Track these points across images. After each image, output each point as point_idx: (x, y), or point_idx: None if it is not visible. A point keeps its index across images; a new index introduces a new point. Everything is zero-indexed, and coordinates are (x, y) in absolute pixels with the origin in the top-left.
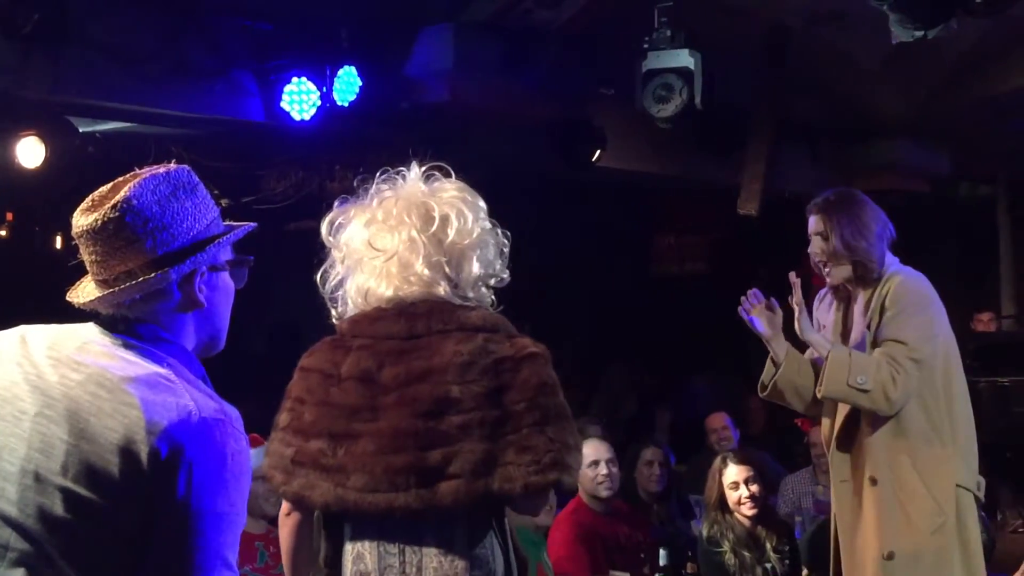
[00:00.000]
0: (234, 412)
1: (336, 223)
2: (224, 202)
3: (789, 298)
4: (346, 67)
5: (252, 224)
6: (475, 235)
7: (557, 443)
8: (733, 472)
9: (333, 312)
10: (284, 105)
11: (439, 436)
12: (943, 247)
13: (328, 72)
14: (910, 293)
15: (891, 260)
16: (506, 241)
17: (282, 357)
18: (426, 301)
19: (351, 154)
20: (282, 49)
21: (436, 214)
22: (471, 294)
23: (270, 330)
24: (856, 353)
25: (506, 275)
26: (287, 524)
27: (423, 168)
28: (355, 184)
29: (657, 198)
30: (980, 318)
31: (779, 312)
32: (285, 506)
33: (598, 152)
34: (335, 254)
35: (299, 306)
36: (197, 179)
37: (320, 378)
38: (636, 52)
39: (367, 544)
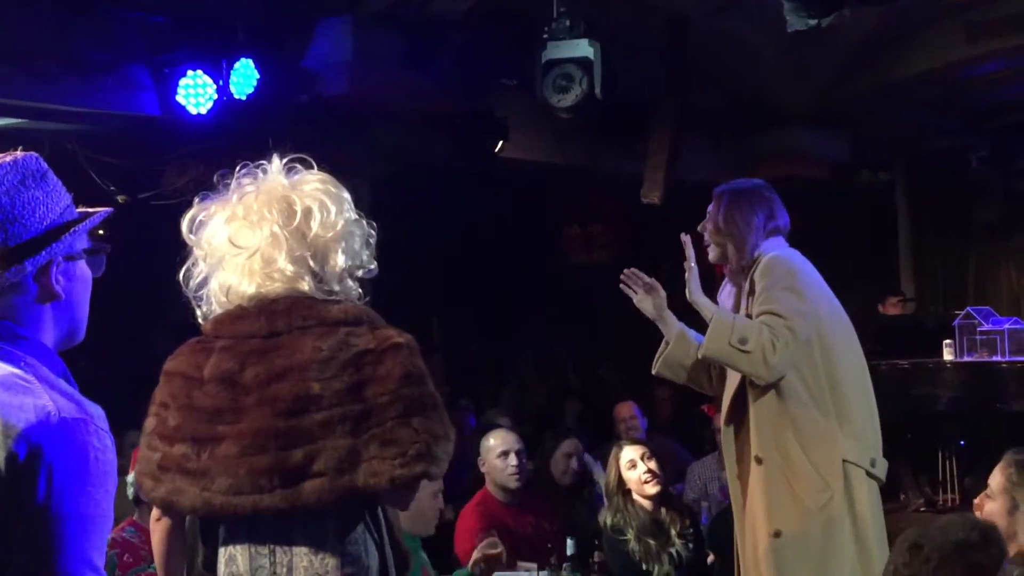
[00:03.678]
0: (97, 410)
1: (197, 220)
2: (121, 198)
3: (684, 262)
4: (243, 60)
5: (108, 209)
6: (339, 227)
7: (424, 434)
8: (629, 452)
9: (198, 312)
10: (179, 99)
11: (301, 434)
12: (847, 233)
13: (224, 65)
14: (775, 269)
15: (771, 247)
16: (372, 232)
17: None
18: (287, 297)
19: (251, 148)
20: (176, 42)
21: (298, 208)
22: (337, 287)
23: (174, 329)
24: (739, 317)
25: (373, 266)
26: (158, 529)
27: (284, 160)
28: (215, 180)
29: (562, 188)
30: (890, 301)
31: (661, 292)
32: (155, 512)
33: (501, 143)
34: (197, 252)
35: None
36: (46, 166)
37: (183, 381)
38: (537, 42)
39: (239, 546)
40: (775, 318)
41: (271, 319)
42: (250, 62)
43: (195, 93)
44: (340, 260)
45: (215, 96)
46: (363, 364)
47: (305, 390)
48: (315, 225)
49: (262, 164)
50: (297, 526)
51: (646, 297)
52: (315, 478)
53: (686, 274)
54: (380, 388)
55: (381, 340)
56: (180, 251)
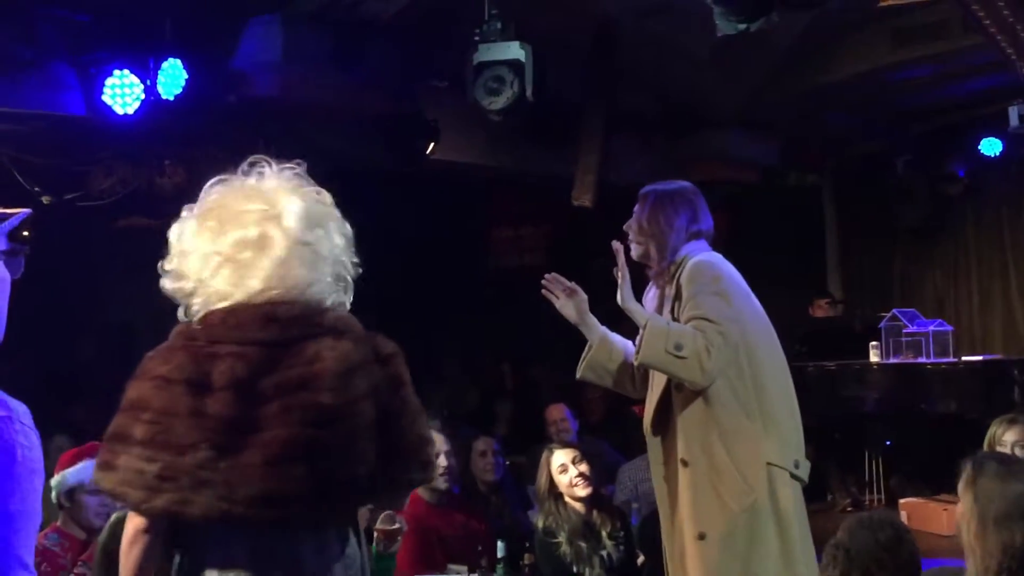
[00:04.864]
0: (21, 407)
1: (209, 215)
2: (46, 199)
3: (614, 268)
4: (171, 60)
5: (26, 211)
6: (345, 242)
7: (425, 439)
8: (560, 456)
9: (186, 310)
10: (105, 99)
11: (331, 443)
12: (776, 236)
13: (152, 65)
14: (702, 274)
15: (693, 249)
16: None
17: (116, 359)
18: (297, 304)
19: (180, 148)
20: (103, 41)
21: (321, 216)
22: (331, 299)
23: (102, 332)
24: (673, 323)
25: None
26: (140, 542)
27: (281, 166)
28: (185, 178)
29: (494, 191)
30: (820, 303)
31: (583, 296)
32: (140, 524)
33: (431, 145)
34: (203, 246)
35: (133, 306)
36: None
37: (187, 388)
38: (468, 44)
39: (241, 556)
40: (706, 323)
41: (283, 326)
42: (178, 62)
43: (121, 93)
44: (342, 273)
45: (142, 96)
46: (373, 373)
47: (330, 399)
48: (333, 237)
49: (259, 164)
50: (306, 534)
51: (567, 301)
52: (346, 485)
53: (618, 281)
54: (389, 396)
55: (381, 348)
56: (109, 254)
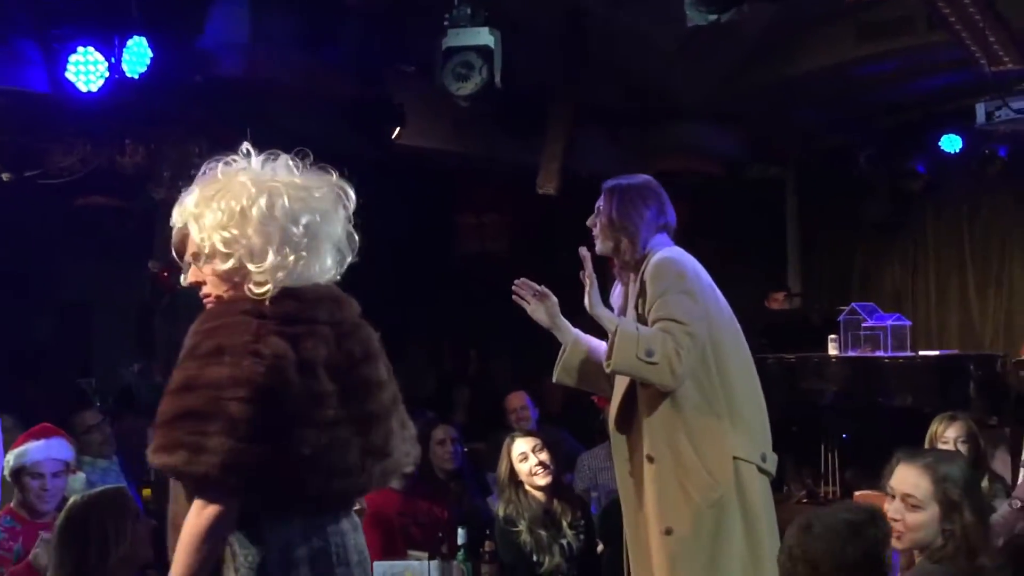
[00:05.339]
0: None
1: (277, 192)
2: (6, 176)
3: (581, 273)
4: (136, 37)
5: None
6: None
7: (409, 420)
8: (521, 444)
9: (256, 287)
10: (69, 75)
11: (380, 417)
12: (738, 228)
13: (117, 42)
14: (667, 272)
15: (659, 244)
16: None
17: (73, 338)
18: (335, 288)
19: (142, 128)
20: (68, 17)
21: (345, 205)
22: None
23: (58, 311)
24: (643, 328)
25: None
26: (219, 533)
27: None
28: (144, 157)
29: (460, 177)
30: (776, 297)
31: (553, 299)
32: (223, 511)
33: (398, 130)
34: (277, 224)
35: (90, 285)
36: None
37: (284, 365)
38: (437, 29)
39: (299, 542)
40: (674, 324)
41: (340, 307)
42: (144, 40)
43: (85, 70)
44: None
45: (106, 74)
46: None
47: (384, 375)
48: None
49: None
50: (344, 511)
51: (539, 305)
52: (387, 457)
53: (586, 287)
54: (391, 375)
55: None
56: (67, 233)
